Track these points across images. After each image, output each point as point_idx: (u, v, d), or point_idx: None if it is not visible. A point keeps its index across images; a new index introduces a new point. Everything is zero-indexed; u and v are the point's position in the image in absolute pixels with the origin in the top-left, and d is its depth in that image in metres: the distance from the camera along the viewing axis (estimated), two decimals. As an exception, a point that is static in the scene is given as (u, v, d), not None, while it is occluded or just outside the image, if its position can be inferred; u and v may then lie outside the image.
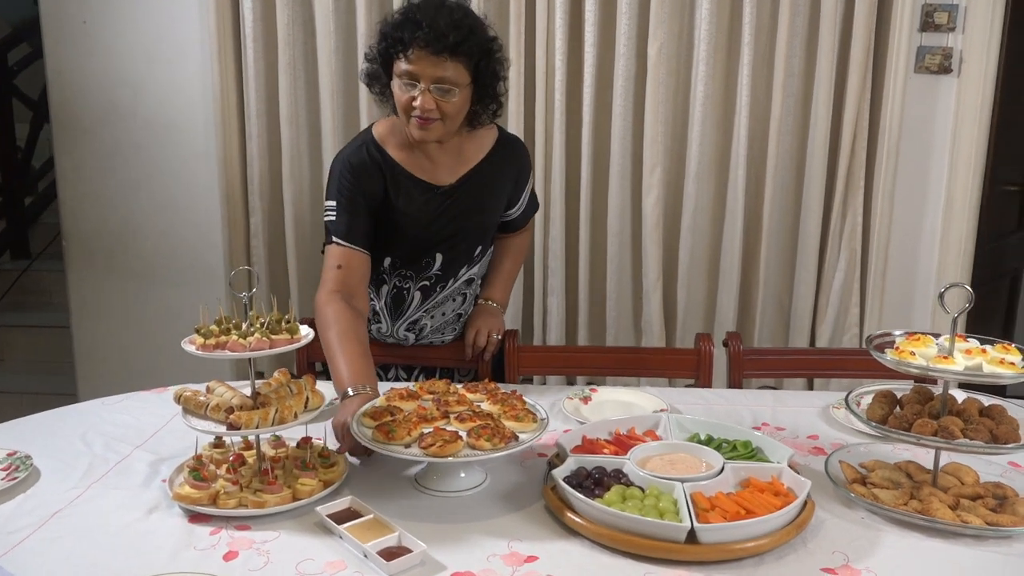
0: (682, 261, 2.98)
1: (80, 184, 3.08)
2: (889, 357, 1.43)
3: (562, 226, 2.96)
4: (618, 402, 1.92)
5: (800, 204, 2.95)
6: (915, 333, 1.50)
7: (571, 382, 3.01)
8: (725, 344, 2.13)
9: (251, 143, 2.99)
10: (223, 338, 1.41)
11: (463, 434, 1.44)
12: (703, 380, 2.10)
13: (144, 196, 3.07)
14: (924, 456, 1.60)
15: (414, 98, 1.76)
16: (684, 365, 2.15)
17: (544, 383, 2.88)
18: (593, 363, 2.28)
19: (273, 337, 1.41)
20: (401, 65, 1.76)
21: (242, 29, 2.91)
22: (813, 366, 2.27)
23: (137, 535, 1.34)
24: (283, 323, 1.45)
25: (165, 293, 3.14)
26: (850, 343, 3.00)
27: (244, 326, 1.44)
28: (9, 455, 1.58)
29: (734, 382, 2.09)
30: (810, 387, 2.99)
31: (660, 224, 2.94)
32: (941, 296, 1.42)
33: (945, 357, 1.38)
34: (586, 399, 1.93)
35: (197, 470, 1.43)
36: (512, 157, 2.04)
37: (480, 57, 1.79)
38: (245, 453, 1.54)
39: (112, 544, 1.32)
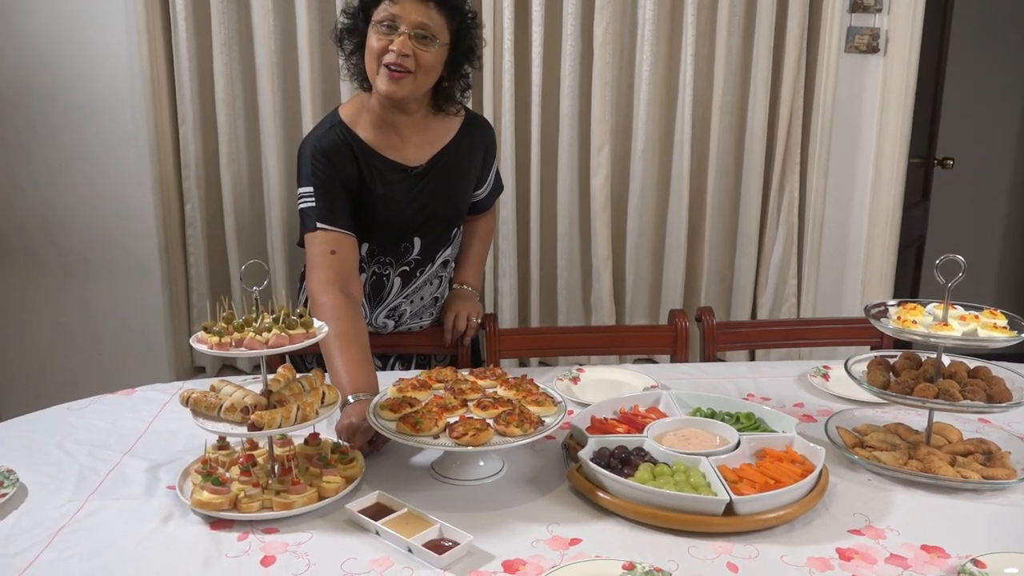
0: (630, 239, 3.04)
1: (-8, 173, 2.85)
2: (891, 326, 1.51)
3: (513, 207, 2.95)
4: (606, 381, 1.95)
5: (740, 181, 3.05)
6: (907, 302, 1.58)
7: (524, 363, 3.03)
8: (698, 319, 2.19)
9: (184, 126, 2.84)
10: (238, 335, 1.34)
11: (490, 421, 1.42)
12: (680, 355, 2.14)
13: (66, 184, 2.86)
14: (906, 417, 1.70)
15: (391, 42, 1.72)
16: (661, 341, 2.19)
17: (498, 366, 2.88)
18: (573, 343, 2.30)
19: (290, 332, 1.35)
20: (384, 10, 1.74)
21: (172, 6, 2.75)
22: (783, 337, 2.36)
23: (159, 547, 1.27)
24: (298, 317, 1.39)
25: (93, 288, 2.95)
26: (788, 313, 3.14)
27: (258, 322, 1.37)
28: (-12, 470, 1.47)
29: (708, 355, 2.15)
30: (752, 357, 3.11)
31: (608, 203, 2.98)
32: (937, 266, 1.50)
33: (945, 324, 1.47)
34: (575, 379, 1.95)
35: (212, 474, 1.37)
36: (480, 135, 2.03)
37: (460, 21, 1.81)
38: (255, 453, 1.48)
39: (135, 558, 1.24)
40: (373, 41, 1.76)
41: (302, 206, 1.86)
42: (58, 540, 1.28)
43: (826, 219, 3.08)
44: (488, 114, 2.86)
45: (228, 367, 3.06)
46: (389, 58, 1.73)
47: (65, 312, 2.97)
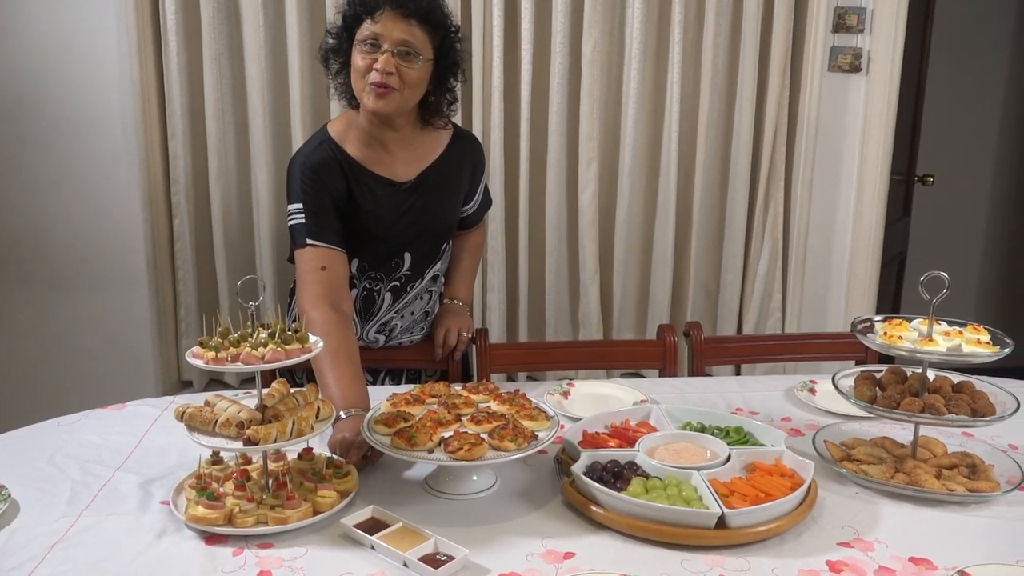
0: (617, 255, 3.06)
1: (-20, 186, 2.84)
2: (878, 341, 1.53)
3: (502, 222, 2.97)
4: (597, 395, 1.96)
5: (726, 197, 3.09)
6: (892, 317, 1.61)
7: (512, 378, 3.04)
8: (686, 334, 2.21)
9: (174, 140, 2.84)
10: (234, 350, 1.34)
11: (484, 436, 1.44)
12: (669, 370, 2.17)
13: (55, 198, 2.85)
14: (892, 431, 1.73)
15: (375, 60, 1.74)
16: (650, 356, 2.21)
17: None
18: (563, 358, 2.32)
19: (286, 348, 1.36)
20: (366, 29, 1.76)
21: (163, 22, 2.76)
22: (771, 351, 2.40)
23: (155, 562, 1.27)
24: (293, 332, 1.40)
25: (81, 301, 2.93)
26: (773, 328, 3.17)
27: (253, 337, 1.38)
28: (-21, 486, 1.46)
29: (696, 370, 2.18)
30: (737, 372, 3.13)
31: (596, 219, 3.01)
32: (921, 283, 1.53)
33: (930, 339, 1.50)
34: (566, 394, 1.96)
35: (206, 489, 1.37)
36: (468, 151, 2.06)
37: (444, 36, 1.82)
38: (248, 468, 1.48)
39: (131, 573, 1.24)
40: (358, 60, 1.78)
41: (292, 222, 1.87)
42: (52, 556, 1.28)
43: (810, 235, 3.12)
44: (477, 130, 2.89)
45: (216, 381, 3.05)
46: (373, 76, 1.75)
47: (53, 324, 2.95)
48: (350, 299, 1.89)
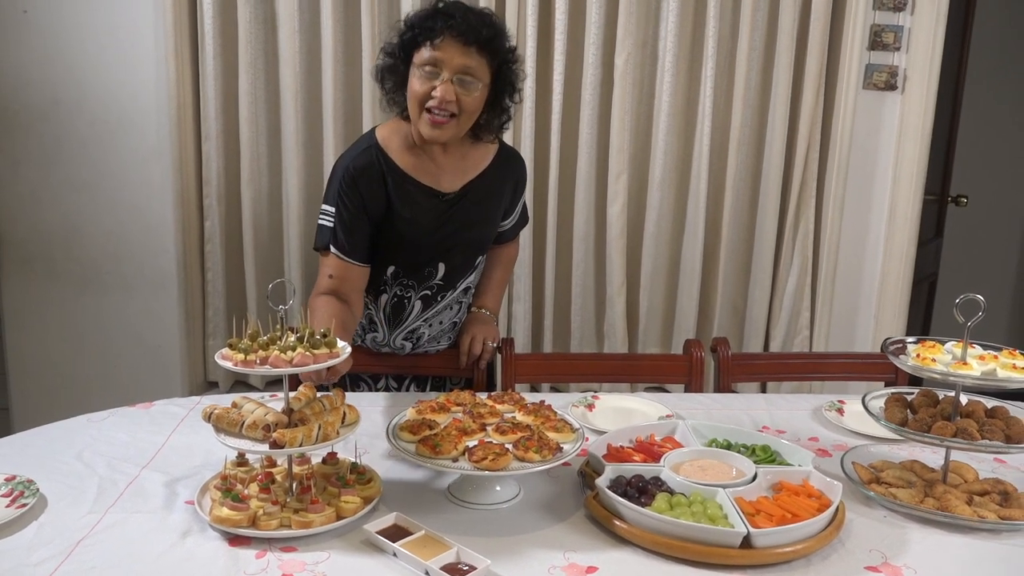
0: (644, 267, 3.05)
1: (17, 184, 2.87)
2: (910, 363, 1.51)
3: (530, 233, 2.97)
4: (621, 409, 1.95)
5: (756, 212, 3.07)
6: (926, 339, 1.59)
7: (536, 388, 3.03)
8: (713, 350, 2.19)
9: (208, 143, 2.87)
10: (262, 353, 1.35)
11: (509, 446, 1.43)
12: (694, 386, 2.15)
13: (88, 197, 2.89)
14: (922, 454, 1.70)
15: (433, 87, 1.74)
16: (676, 371, 2.20)
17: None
18: (588, 370, 2.30)
19: (315, 352, 1.37)
20: (425, 53, 1.75)
21: (200, 26, 2.79)
22: (798, 370, 2.37)
23: (178, 561, 1.28)
24: (322, 336, 1.40)
25: (111, 300, 2.97)
26: (801, 345, 3.14)
27: (283, 340, 1.38)
28: (8, 480, 1.48)
29: (723, 386, 2.16)
30: (763, 389, 3.10)
31: (624, 232, 3.00)
32: (956, 305, 1.51)
33: (964, 363, 1.47)
34: (590, 406, 1.95)
35: (231, 490, 1.37)
36: (512, 168, 2.06)
37: (502, 61, 1.81)
38: (273, 470, 1.48)
39: (154, 572, 1.25)
40: (415, 83, 1.77)
41: (321, 221, 1.89)
42: (78, 552, 1.29)
43: (840, 253, 3.10)
44: (508, 140, 2.87)
45: (241, 383, 3.07)
46: (432, 104, 1.75)
47: (82, 323, 2.99)
48: (361, 303, 1.94)
